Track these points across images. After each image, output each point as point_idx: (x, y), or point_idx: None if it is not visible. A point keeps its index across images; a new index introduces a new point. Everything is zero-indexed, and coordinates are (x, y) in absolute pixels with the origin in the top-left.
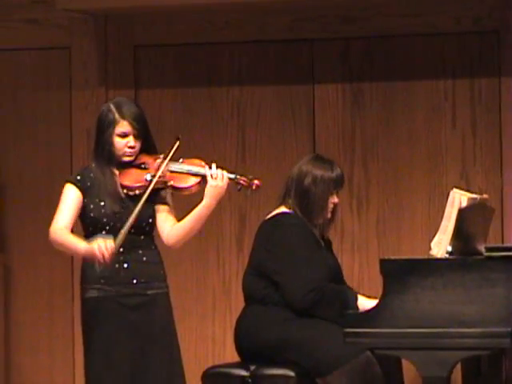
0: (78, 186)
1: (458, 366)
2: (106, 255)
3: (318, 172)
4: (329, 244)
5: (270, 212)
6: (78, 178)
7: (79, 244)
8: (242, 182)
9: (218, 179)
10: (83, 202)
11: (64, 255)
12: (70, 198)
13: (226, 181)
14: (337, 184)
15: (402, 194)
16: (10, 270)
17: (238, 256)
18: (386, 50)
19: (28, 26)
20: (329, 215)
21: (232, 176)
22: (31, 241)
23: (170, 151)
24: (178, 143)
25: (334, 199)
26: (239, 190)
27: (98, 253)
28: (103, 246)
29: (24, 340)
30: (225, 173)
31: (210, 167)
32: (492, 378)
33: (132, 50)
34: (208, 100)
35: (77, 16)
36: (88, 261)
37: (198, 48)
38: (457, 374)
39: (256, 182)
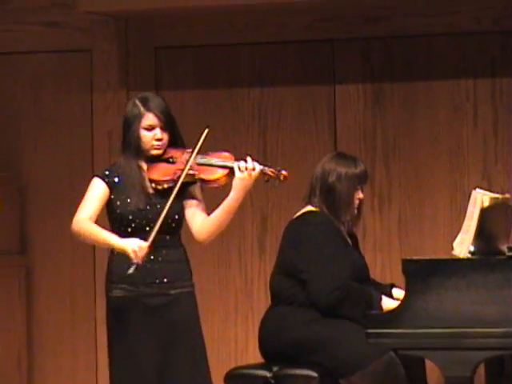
0: (105, 181)
1: (482, 366)
2: (140, 257)
3: (342, 169)
4: (356, 240)
5: (293, 213)
6: (107, 172)
7: (110, 237)
8: (269, 172)
9: (245, 172)
10: (109, 197)
11: (86, 256)
12: (96, 191)
13: (255, 173)
14: (361, 180)
15: (423, 194)
16: (32, 272)
17: (259, 257)
18: (406, 50)
19: (49, 29)
20: (355, 211)
21: (261, 167)
22: (52, 242)
23: (197, 142)
24: (206, 131)
25: (359, 195)
26: (267, 181)
27: (132, 254)
28: (138, 249)
29: (46, 341)
30: (255, 164)
31: (246, 160)
32: None
33: (153, 51)
34: (229, 101)
35: (98, 18)
36: (117, 257)
37: (219, 49)
38: (480, 374)
39: (284, 172)
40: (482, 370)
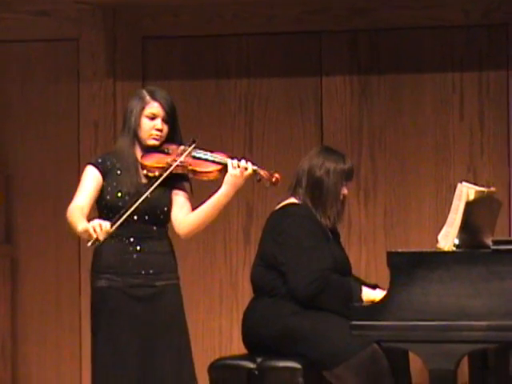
0: (98, 168)
1: (465, 360)
2: (100, 234)
3: (331, 164)
4: (337, 236)
5: (278, 203)
6: (100, 160)
7: (80, 222)
8: (262, 173)
9: (238, 169)
10: (102, 184)
11: (71, 246)
12: (89, 179)
13: (248, 172)
14: (348, 176)
15: (409, 187)
16: (17, 262)
17: (245, 248)
18: (394, 43)
19: (36, 18)
20: (340, 207)
21: (254, 167)
22: (38, 232)
23: (191, 144)
24: (193, 146)
25: (344, 191)
26: (258, 180)
27: (91, 231)
28: (97, 225)
29: (31, 332)
30: (249, 164)
31: (240, 159)
32: (499, 372)
33: (140, 41)
34: (216, 92)
35: (85, 8)
36: (103, 247)
37: (206, 40)
38: (464, 368)
39: (277, 175)
40: (465, 363)
